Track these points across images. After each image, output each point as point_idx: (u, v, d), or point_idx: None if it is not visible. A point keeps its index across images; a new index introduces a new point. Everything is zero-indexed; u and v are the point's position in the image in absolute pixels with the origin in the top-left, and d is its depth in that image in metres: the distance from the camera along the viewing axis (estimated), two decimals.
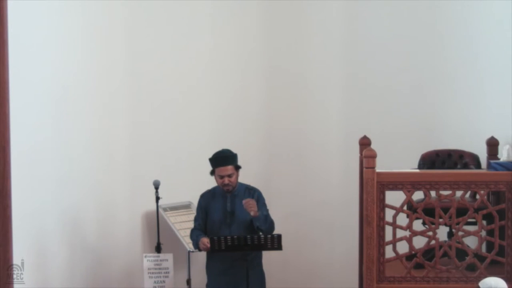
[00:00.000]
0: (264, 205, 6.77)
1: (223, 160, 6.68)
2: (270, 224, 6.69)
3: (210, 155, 6.76)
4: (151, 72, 7.81)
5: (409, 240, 6.55)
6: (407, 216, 6.57)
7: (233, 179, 6.69)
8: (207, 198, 6.83)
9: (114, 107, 7.59)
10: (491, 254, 6.54)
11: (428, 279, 6.55)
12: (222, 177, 6.67)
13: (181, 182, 7.90)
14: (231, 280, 6.70)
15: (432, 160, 7.38)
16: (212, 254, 6.71)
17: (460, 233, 6.54)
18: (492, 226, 6.54)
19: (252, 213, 6.57)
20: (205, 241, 6.60)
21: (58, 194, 7.04)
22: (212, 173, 6.75)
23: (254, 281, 6.68)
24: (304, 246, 8.25)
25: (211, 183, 6.84)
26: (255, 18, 8.23)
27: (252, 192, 6.77)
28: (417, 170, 7.04)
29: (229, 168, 6.67)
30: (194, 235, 6.76)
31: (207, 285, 6.90)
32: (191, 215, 7.71)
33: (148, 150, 7.81)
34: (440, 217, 6.53)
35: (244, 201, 6.58)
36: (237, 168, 6.72)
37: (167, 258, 7.28)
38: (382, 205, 6.49)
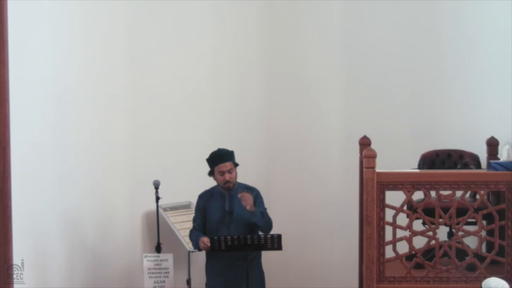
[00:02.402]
0: (261, 203, 6.76)
1: (221, 157, 6.69)
2: (267, 222, 6.67)
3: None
4: (151, 73, 7.81)
5: (409, 240, 6.55)
6: (407, 216, 6.58)
7: (233, 175, 6.70)
8: (205, 199, 6.83)
9: (114, 107, 7.59)
10: (491, 254, 6.55)
11: (428, 279, 6.56)
12: (223, 173, 6.67)
13: (181, 182, 7.90)
14: (230, 280, 6.69)
15: (432, 160, 7.38)
16: (211, 254, 6.71)
17: (460, 233, 6.55)
18: (492, 226, 6.54)
19: (248, 207, 6.54)
20: (205, 240, 6.61)
21: (58, 194, 7.04)
22: (211, 173, 6.75)
23: (254, 281, 6.68)
24: (304, 246, 8.25)
25: (211, 183, 6.84)
26: (255, 21, 8.23)
27: (250, 192, 6.76)
28: (417, 170, 7.04)
29: (228, 164, 6.68)
30: (194, 235, 6.77)
31: (206, 284, 6.89)
32: (191, 215, 7.69)
33: (148, 150, 7.80)
34: (440, 217, 6.53)
35: (239, 194, 6.55)
36: (235, 165, 6.73)
37: (167, 258, 7.28)
38: (382, 205, 6.49)
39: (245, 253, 6.55)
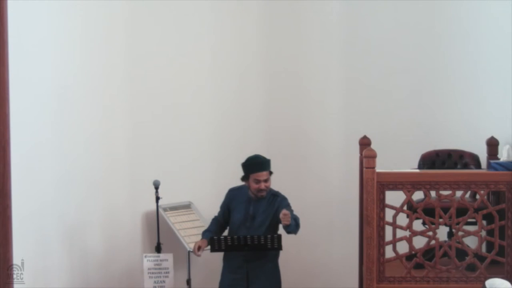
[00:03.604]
0: (288, 206, 6.77)
1: (261, 165, 6.72)
2: (299, 226, 6.69)
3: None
4: (151, 73, 7.80)
5: (409, 240, 6.55)
6: (407, 216, 6.58)
7: (268, 184, 6.74)
8: (233, 195, 6.89)
9: (114, 107, 7.59)
10: (491, 254, 6.55)
11: (428, 279, 6.56)
12: (258, 182, 6.70)
13: (181, 182, 7.90)
14: (233, 279, 6.74)
15: (432, 160, 7.38)
16: (235, 251, 6.74)
17: (460, 233, 6.54)
18: (492, 226, 6.54)
19: (283, 224, 6.54)
20: (196, 246, 6.73)
21: (58, 194, 7.04)
22: (244, 178, 6.75)
23: (257, 282, 6.68)
24: (304, 246, 8.24)
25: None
26: (255, 20, 8.22)
27: (276, 198, 6.79)
28: (417, 170, 7.04)
29: (266, 174, 6.72)
30: (208, 227, 6.93)
31: (220, 281, 6.96)
32: (191, 215, 7.72)
33: (148, 150, 7.80)
34: (440, 217, 6.53)
35: (282, 214, 6.48)
36: (271, 173, 6.76)
37: (167, 258, 7.28)
38: (382, 205, 6.49)
39: (245, 254, 6.55)
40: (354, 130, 7.77)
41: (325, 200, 8.20)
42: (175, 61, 7.91)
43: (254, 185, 6.70)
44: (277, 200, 6.76)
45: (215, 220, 6.97)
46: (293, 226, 6.59)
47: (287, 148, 8.27)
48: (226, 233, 6.98)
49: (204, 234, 6.90)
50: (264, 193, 6.71)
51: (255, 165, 6.71)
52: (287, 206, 6.76)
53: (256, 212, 6.75)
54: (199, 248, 6.79)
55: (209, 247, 6.72)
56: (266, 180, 6.71)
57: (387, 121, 8.01)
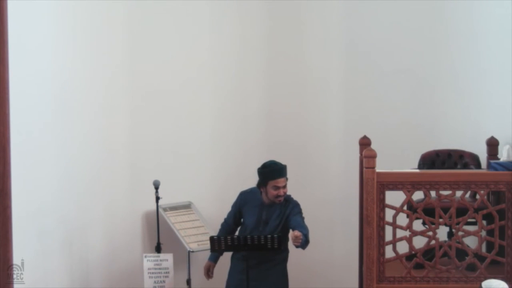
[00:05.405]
0: (299, 213, 6.76)
1: (280, 171, 6.72)
2: (308, 241, 6.65)
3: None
4: (151, 72, 7.81)
5: (409, 240, 6.55)
6: (407, 216, 6.58)
7: (286, 190, 6.75)
8: (245, 199, 6.88)
9: (113, 107, 7.59)
10: (491, 254, 6.54)
11: (428, 279, 6.56)
12: (277, 188, 6.69)
13: (181, 182, 7.90)
14: (245, 280, 6.73)
15: (432, 160, 7.38)
16: (235, 251, 6.76)
17: (460, 233, 6.54)
18: (492, 226, 6.54)
19: (294, 244, 6.55)
20: (205, 270, 6.86)
21: (58, 194, 7.04)
22: (261, 185, 6.74)
23: (268, 284, 6.71)
24: None
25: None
26: (255, 17, 8.22)
27: (288, 204, 6.78)
28: (417, 170, 7.04)
29: (284, 180, 6.74)
30: (218, 232, 6.97)
31: (227, 280, 6.98)
32: (191, 215, 7.72)
33: (148, 149, 7.81)
34: (440, 217, 6.53)
35: (294, 235, 6.48)
36: (287, 179, 6.78)
37: (167, 258, 7.28)
38: (382, 205, 6.49)
39: (253, 256, 6.56)
40: (354, 130, 7.77)
41: (326, 200, 8.20)
42: (175, 60, 7.91)
43: (273, 192, 6.70)
44: (289, 206, 6.76)
45: (223, 226, 6.98)
46: (303, 243, 6.57)
47: (287, 149, 8.26)
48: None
49: (211, 257, 6.94)
50: (282, 199, 6.73)
51: (275, 172, 6.71)
52: (299, 213, 6.75)
53: (270, 217, 6.75)
54: (208, 271, 6.90)
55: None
56: (284, 186, 6.73)
57: (387, 121, 8.01)
